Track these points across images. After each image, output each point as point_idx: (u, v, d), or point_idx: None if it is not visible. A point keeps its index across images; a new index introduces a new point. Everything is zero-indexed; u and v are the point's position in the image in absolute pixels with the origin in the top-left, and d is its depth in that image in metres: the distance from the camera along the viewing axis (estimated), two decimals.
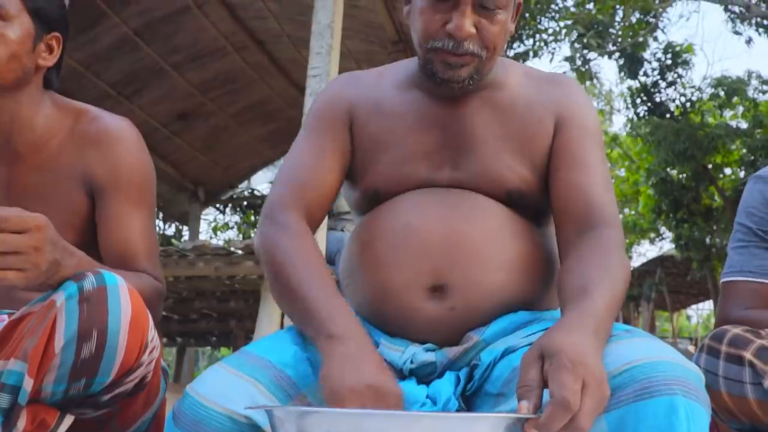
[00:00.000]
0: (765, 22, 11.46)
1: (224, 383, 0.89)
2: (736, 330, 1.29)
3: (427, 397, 0.92)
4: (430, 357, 0.98)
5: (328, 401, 0.82)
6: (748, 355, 1.23)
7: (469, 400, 0.97)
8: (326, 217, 3.61)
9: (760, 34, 11.70)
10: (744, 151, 12.15)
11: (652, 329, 17.90)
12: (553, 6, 10.70)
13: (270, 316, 4.46)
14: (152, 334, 1.08)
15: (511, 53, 10.48)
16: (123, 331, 1.00)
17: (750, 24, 11.68)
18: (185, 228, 10.80)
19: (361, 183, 1.15)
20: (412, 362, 0.98)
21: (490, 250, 1.02)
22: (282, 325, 4.15)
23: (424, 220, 1.04)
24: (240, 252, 4.42)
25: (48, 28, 1.30)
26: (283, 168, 1.15)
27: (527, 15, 10.43)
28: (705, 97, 13.09)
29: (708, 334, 1.33)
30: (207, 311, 6.45)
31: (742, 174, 12.76)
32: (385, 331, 1.05)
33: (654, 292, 16.13)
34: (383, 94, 1.17)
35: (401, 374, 0.98)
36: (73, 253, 1.06)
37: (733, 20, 11.94)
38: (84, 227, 1.32)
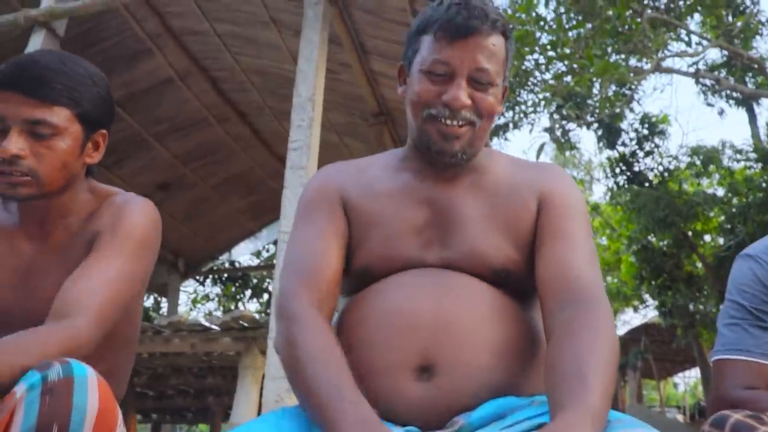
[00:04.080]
0: (734, 94, 11.83)
1: None
2: (738, 416, 1.23)
3: None
4: None
5: None
6: None
7: None
8: None
9: (730, 105, 12.08)
10: (722, 218, 12.30)
11: (639, 398, 17.68)
12: (531, 79, 10.97)
13: (248, 392, 4.32)
14: None
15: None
16: (87, 428, 0.93)
17: (721, 96, 12.06)
18: (164, 300, 10.63)
19: (351, 262, 1.15)
20: None
21: (478, 333, 1.02)
22: (260, 401, 4.01)
23: (413, 302, 1.04)
24: (217, 328, 4.30)
25: (95, 126, 1.32)
26: (287, 261, 1.13)
27: None
28: (682, 165, 13.35)
29: (708, 420, 1.26)
30: (183, 387, 6.27)
31: (721, 241, 12.87)
32: None
33: (640, 360, 16.00)
34: (373, 176, 1.20)
35: None
36: None
37: (704, 92, 12.32)
38: None
